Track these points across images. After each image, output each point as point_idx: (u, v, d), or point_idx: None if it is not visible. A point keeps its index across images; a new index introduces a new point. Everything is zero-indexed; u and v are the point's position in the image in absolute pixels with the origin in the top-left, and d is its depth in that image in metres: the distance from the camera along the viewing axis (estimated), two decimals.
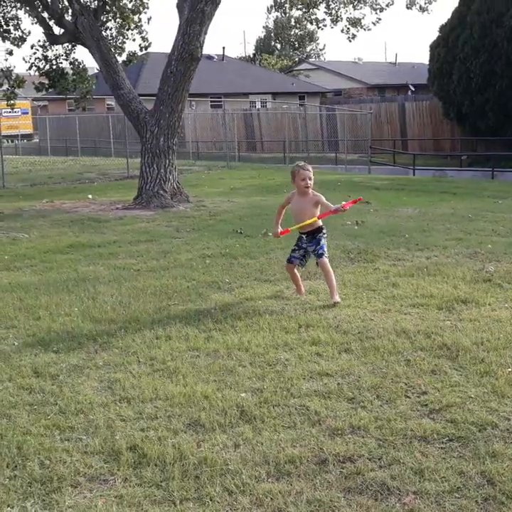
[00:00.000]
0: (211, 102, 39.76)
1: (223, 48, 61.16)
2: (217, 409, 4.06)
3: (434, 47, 29.43)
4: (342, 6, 19.22)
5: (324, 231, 6.48)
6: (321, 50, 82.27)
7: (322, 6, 19.40)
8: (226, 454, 3.53)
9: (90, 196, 15.71)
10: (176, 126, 13.88)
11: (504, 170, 23.92)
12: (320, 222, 6.40)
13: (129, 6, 16.58)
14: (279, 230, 6.59)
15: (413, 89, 50.30)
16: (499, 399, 4.08)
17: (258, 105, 46.34)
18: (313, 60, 71.50)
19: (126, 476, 3.36)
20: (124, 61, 17.48)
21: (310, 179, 6.22)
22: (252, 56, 74.32)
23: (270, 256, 8.48)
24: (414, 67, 56.20)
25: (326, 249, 6.41)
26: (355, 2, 19.17)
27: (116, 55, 16.12)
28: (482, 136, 27.71)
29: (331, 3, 19.55)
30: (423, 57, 72.54)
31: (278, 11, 79.57)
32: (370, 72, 55.53)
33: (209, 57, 49.26)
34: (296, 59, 72.84)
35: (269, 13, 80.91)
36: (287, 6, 76.87)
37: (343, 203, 6.19)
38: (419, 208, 12.66)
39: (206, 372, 4.67)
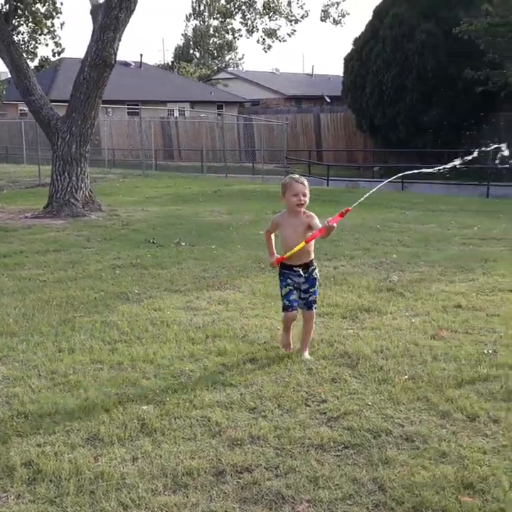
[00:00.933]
0: (128, 109, 39.34)
1: (141, 55, 60.65)
2: (118, 422, 4.02)
3: (348, 59, 30.15)
4: (258, 16, 19.48)
5: (315, 264, 5.17)
6: (239, 59, 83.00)
7: (238, 17, 19.59)
8: (123, 468, 3.50)
9: None
10: (89, 133, 13.67)
11: (414, 181, 24.64)
12: (313, 254, 5.09)
13: (42, 10, 16.25)
14: (275, 258, 5.15)
15: (329, 100, 51.31)
16: (395, 406, 4.21)
17: (176, 113, 46.19)
18: (232, 69, 71.85)
19: (20, 492, 3.28)
20: (36, 66, 17.10)
21: (304, 195, 4.91)
22: (170, 64, 74.04)
23: (182, 266, 8.46)
24: (330, 79, 57.33)
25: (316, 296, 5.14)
26: (271, 13, 19.45)
27: (27, 60, 15.75)
28: (393, 148, 28.53)
29: (246, 13, 19.76)
30: (339, 69, 74.08)
31: (197, 20, 79.73)
32: (288, 83, 56.30)
33: (126, 64, 48.82)
34: (215, 68, 73.06)
35: (188, 21, 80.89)
36: (206, 14, 77.34)
37: (329, 218, 4.75)
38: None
39: (109, 385, 4.61)
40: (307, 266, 5.05)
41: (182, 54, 77.22)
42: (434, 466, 3.46)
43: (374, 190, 4.69)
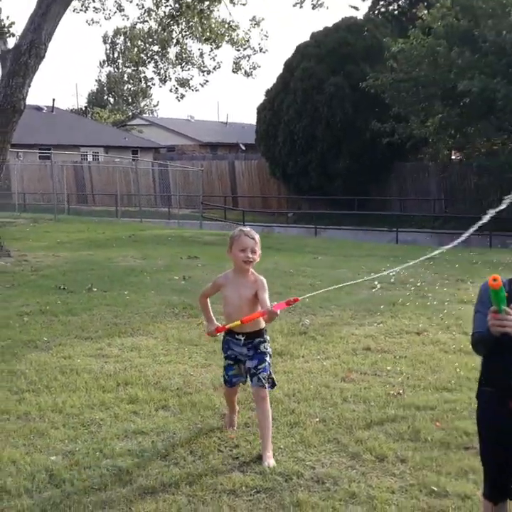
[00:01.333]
0: (40, 153, 38.77)
1: (53, 99, 60.00)
2: (25, 473, 3.90)
3: (261, 109, 30.82)
4: (170, 66, 19.70)
5: (267, 337, 4.43)
6: (154, 106, 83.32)
7: (151, 66, 19.76)
8: None
9: None
10: None
11: (326, 227, 25.29)
12: (262, 322, 4.28)
13: None
14: (216, 326, 4.44)
15: (244, 148, 52.16)
16: (306, 448, 4.26)
17: (90, 158, 45.80)
18: (147, 115, 72.15)
19: None
20: None
21: (254, 252, 4.19)
22: (84, 109, 73.65)
23: (93, 312, 8.32)
24: (244, 127, 58.39)
25: (271, 372, 4.40)
26: (183, 63, 19.74)
27: None
28: (306, 194, 29.22)
29: (159, 63, 19.98)
30: (252, 118, 75.69)
31: (111, 66, 79.95)
32: (203, 130, 56.94)
33: (38, 109, 48.22)
34: (130, 114, 73.18)
35: (102, 68, 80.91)
36: (120, 61, 77.70)
37: (274, 303, 4.02)
38: None
39: (16, 436, 4.47)
40: (253, 336, 4.28)
41: (96, 99, 77.05)
42: (344, 507, 3.52)
43: (442, 249, 3.34)
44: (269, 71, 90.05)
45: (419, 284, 10.32)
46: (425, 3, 29.50)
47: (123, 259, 13.65)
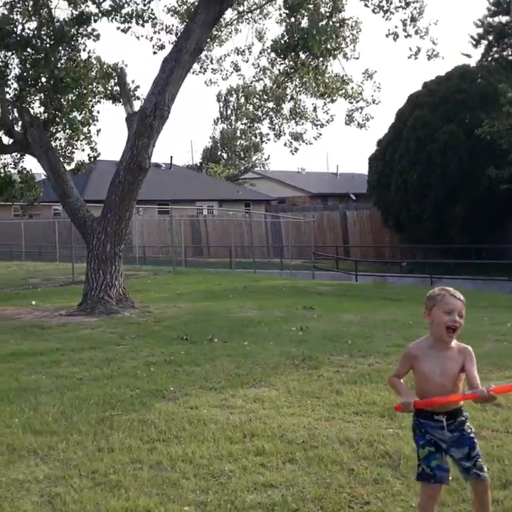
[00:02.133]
0: (158, 208, 40.43)
1: (171, 156, 62.66)
2: None
3: (373, 159, 30.91)
4: (284, 121, 20.18)
5: (466, 414, 3.71)
6: (265, 159, 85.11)
7: (266, 122, 20.33)
8: None
9: (34, 302, 15.56)
10: (123, 233, 14.08)
11: (442, 276, 24.73)
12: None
13: (79, 118, 17.05)
14: (414, 399, 3.62)
15: (354, 198, 52.25)
16: (440, 508, 4.13)
17: (205, 212, 47.27)
18: (258, 169, 73.85)
19: None
20: (72, 170, 17.79)
21: (461, 316, 3.60)
22: (199, 165, 76.38)
23: (215, 363, 8.49)
24: (354, 177, 58.58)
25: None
26: (297, 118, 20.17)
27: (64, 164, 16.44)
28: (420, 243, 28.78)
29: (274, 118, 20.51)
30: (362, 167, 75.79)
31: (224, 123, 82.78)
32: (313, 182, 57.61)
33: (157, 166, 50.43)
34: (242, 168, 75.19)
35: (216, 125, 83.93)
36: (233, 118, 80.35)
37: (493, 385, 3.46)
38: (360, 314, 12.95)
39: (149, 485, 4.61)
40: (455, 415, 3.60)
41: (210, 155, 79.78)
42: None
43: None
44: (379, 121, 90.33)
45: None
46: None
47: (240, 310, 13.89)
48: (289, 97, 20.61)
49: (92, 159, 18.00)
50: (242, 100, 23.76)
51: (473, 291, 20.04)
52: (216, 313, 13.44)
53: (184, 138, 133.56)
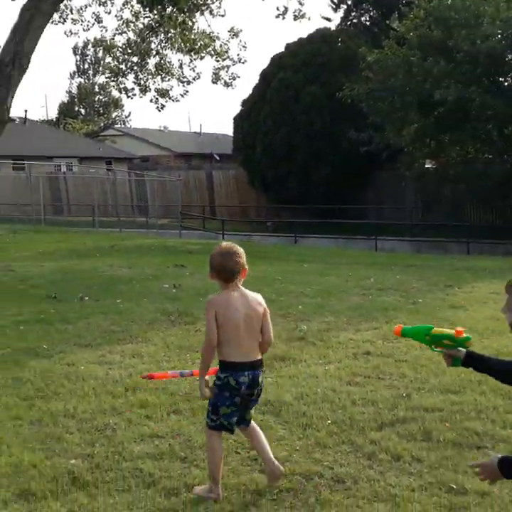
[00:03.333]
0: (14, 164, 38.51)
1: (25, 110, 59.75)
2: (48, 477, 3.93)
3: (238, 119, 30.98)
4: (150, 77, 19.76)
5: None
6: (126, 116, 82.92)
7: (130, 76, 19.81)
8: None
9: None
10: None
11: (305, 236, 25.45)
12: None
13: None
14: None
15: (218, 158, 52.25)
16: (322, 449, 4.34)
17: (64, 169, 45.55)
18: (119, 126, 71.89)
19: None
20: None
21: None
22: (55, 120, 73.16)
23: (89, 320, 8.32)
24: (218, 137, 58.50)
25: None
26: (163, 74, 19.81)
27: None
28: (285, 204, 29.37)
29: (139, 73, 20.02)
30: (225, 128, 75.81)
31: (81, 77, 79.61)
32: (177, 141, 56.89)
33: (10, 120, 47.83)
34: (102, 124, 72.90)
35: (73, 79, 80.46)
36: (91, 72, 77.56)
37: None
38: None
39: (32, 440, 4.50)
40: None
41: (67, 110, 76.55)
42: (368, 505, 3.61)
43: None
44: (243, 81, 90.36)
45: (408, 290, 10.47)
46: (397, 15, 29.88)
47: (109, 268, 13.62)
48: (154, 51, 20.16)
49: None
50: (101, 54, 22.94)
51: (335, 249, 20.83)
52: (84, 271, 13.10)
53: (38, 92, 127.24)
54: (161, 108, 20.85)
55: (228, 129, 32.08)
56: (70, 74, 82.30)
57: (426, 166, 28.53)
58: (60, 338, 7.41)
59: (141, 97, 27.03)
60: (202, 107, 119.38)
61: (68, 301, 9.68)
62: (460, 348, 2.87)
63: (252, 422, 3.98)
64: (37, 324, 8.15)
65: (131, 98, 25.74)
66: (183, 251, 18.12)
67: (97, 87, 77.47)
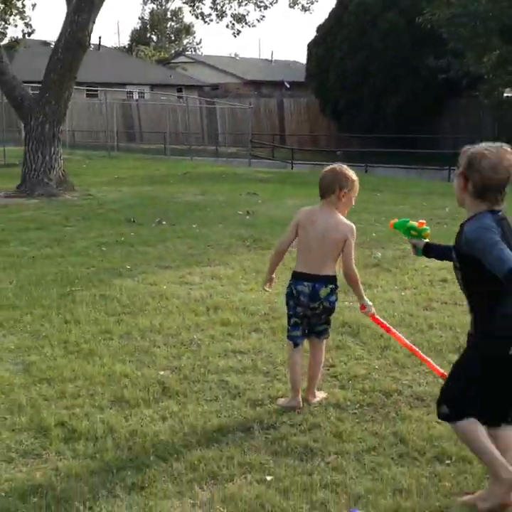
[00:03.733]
0: (87, 91, 38.89)
1: (99, 37, 59.80)
2: (139, 386, 4.17)
3: (312, 45, 30.35)
4: (227, 2, 19.50)
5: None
6: (197, 44, 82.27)
7: (208, 1, 19.61)
8: (155, 427, 3.67)
9: None
10: (62, 113, 13.61)
11: (376, 165, 25.06)
12: None
13: None
14: None
15: (288, 86, 51.45)
16: (401, 369, 4.45)
17: (136, 96, 45.79)
18: (190, 53, 71.35)
19: (59, 450, 3.43)
20: (6, 47, 16.82)
21: None
22: (127, 47, 73.11)
23: (167, 244, 8.57)
24: (289, 64, 57.47)
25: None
26: None
27: None
28: (356, 133, 28.88)
29: None
30: (297, 55, 74.42)
31: (154, 3, 78.82)
32: (247, 68, 56.20)
33: None
34: (173, 52, 72.50)
35: (145, 5, 79.87)
36: None
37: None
38: (304, 200, 13.11)
39: (122, 353, 4.75)
40: None
41: (139, 37, 76.27)
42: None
43: None
44: (316, 7, 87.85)
45: None
46: None
47: (183, 195, 13.86)
48: None
49: (27, 35, 17.04)
50: None
51: (407, 179, 20.52)
52: (159, 197, 13.37)
53: (110, 19, 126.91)
54: (237, 34, 20.66)
55: (300, 57, 31.49)
56: (143, 0, 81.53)
57: (506, 95, 27.44)
58: (142, 260, 7.67)
59: (217, 23, 26.75)
60: (273, 33, 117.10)
61: (146, 225, 9.96)
62: (424, 240, 3.44)
63: (319, 347, 4.10)
64: (118, 246, 8.45)
65: (208, 23, 25.49)
66: (254, 179, 18.19)
67: (169, 13, 76.70)
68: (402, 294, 6.21)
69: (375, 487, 3.10)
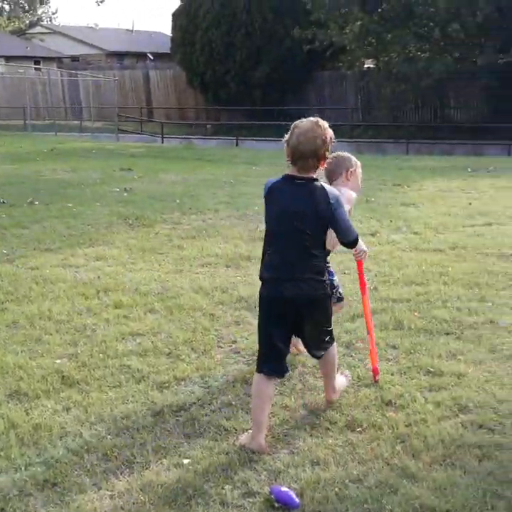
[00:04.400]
0: None
1: None
2: (36, 377, 3.97)
3: (177, 16, 29.85)
4: None
5: None
6: (53, 13, 78.96)
7: None
8: (59, 418, 3.50)
9: None
10: None
11: (245, 138, 25.22)
12: None
13: None
14: None
15: (152, 58, 50.51)
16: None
17: None
18: (47, 23, 68.22)
19: None
20: None
21: None
22: None
23: (44, 225, 8.20)
24: (152, 35, 56.34)
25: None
26: None
27: None
28: (224, 105, 28.87)
29: None
30: (160, 25, 73.08)
31: None
32: (108, 39, 54.50)
33: None
34: (27, 22, 69.04)
35: None
36: None
37: None
38: (180, 175, 12.99)
39: (11, 343, 4.50)
40: None
41: None
42: (353, 389, 3.80)
43: None
44: None
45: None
46: None
47: (53, 172, 13.32)
48: None
49: None
50: None
51: (277, 151, 20.70)
52: (28, 176, 12.78)
53: None
54: (100, 2, 19.91)
55: (163, 27, 30.78)
56: None
57: (367, 66, 28.37)
58: (18, 243, 7.30)
59: None
60: (132, 2, 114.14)
61: (18, 206, 9.48)
62: None
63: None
64: None
65: None
66: (125, 155, 17.80)
67: None
68: None
69: (293, 461, 3.12)
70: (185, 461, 3.13)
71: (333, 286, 3.92)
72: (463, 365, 4.03)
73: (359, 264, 3.96)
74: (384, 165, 14.58)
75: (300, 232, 3.19)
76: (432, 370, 3.98)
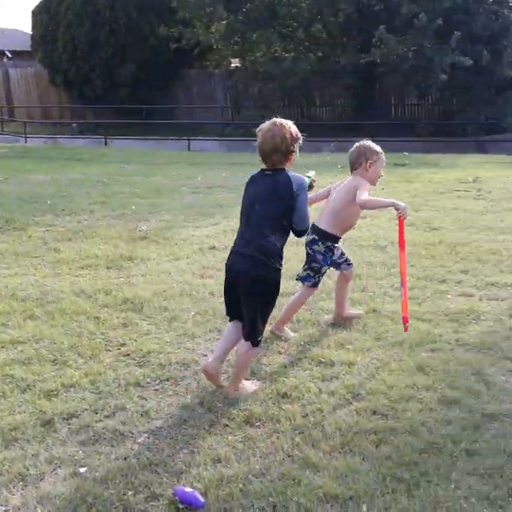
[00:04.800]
0: None
1: None
2: None
3: (37, 13, 28.73)
4: None
5: None
6: None
7: None
8: None
9: None
10: None
11: (114, 137, 24.66)
12: None
13: None
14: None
15: (10, 55, 48.33)
16: (191, 339, 4.46)
17: None
18: None
19: None
20: None
21: None
22: None
23: None
24: (5, 32, 53.92)
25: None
26: None
27: None
28: (90, 104, 28.12)
29: None
30: (18, 23, 70.17)
31: None
32: None
33: None
34: None
35: None
36: None
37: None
38: (49, 175, 12.52)
39: None
40: None
41: None
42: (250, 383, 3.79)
43: None
44: None
45: (237, 186, 10.67)
46: None
47: None
48: None
49: None
50: None
51: (149, 150, 20.50)
52: None
53: None
54: None
55: (21, 25, 29.61)
56: None
57: (234, 65, 28.59)
58: None
59: None
60: None
61: None
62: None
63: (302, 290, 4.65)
64: None
65: None
66: None
67: None
68: (176, 264, 6.21)
69: (194, 460, 3.08)
70: (82, 469, 3.02)
71: (319, 272, 4.48)
72: (352, 354, 4.14)
73: (401, 221, 4.13)
74: (253, 162, 14.73)
75: (259, 215, 3.55)
76: (323, 360, 4.06)
